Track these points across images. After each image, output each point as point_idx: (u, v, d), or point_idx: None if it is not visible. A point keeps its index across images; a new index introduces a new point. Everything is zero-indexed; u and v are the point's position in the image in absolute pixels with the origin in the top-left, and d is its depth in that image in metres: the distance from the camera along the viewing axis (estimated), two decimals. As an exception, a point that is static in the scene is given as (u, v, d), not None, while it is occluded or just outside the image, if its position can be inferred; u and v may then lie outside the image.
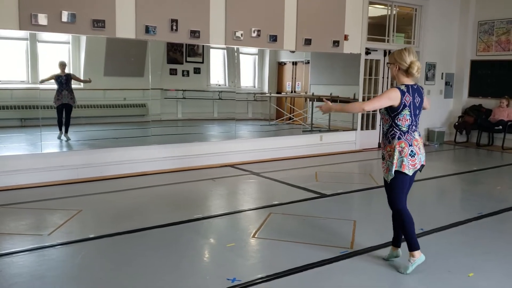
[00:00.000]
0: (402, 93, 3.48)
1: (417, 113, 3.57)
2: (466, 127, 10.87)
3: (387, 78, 9.86)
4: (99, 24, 6.29)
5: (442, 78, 11.06)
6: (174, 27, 6.95)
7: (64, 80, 7.37)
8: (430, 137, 10.89)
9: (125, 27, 6.57)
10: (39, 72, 6.27)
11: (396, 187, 3.55)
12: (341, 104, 3.55)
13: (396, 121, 3.50)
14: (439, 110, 11.04)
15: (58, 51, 7.37)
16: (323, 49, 8.77)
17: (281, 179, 6.79)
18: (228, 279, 3.37)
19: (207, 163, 7.54)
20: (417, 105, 3.56)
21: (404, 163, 3.48)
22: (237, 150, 7.93)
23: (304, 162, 8.21)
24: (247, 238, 4.31)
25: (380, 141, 4.01)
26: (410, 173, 3.52)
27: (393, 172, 3.51)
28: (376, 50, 9.81)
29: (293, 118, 9.87)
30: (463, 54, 11.07)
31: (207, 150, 7.62)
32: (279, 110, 10.07)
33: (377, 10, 9.95)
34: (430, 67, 10.74)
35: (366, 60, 9.56)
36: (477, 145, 10.60)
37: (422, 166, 3.62)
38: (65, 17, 6.04)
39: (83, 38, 7.06)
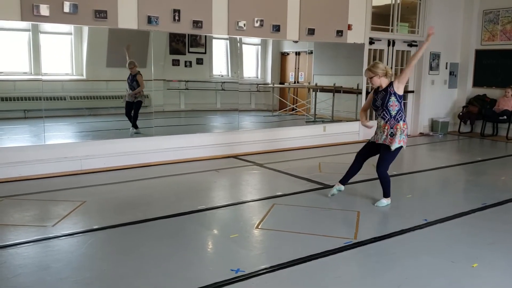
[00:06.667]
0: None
1: None
2: (470, 117, 10.80)
3: (391, 68, 9.79)
4: (101, 14, 6.26)
5: (446, 68, 10.97)
6: (177, 17, 6.91)
7: (129, 80, 7.41)
8: (434, 127, 10.83)
9: (127, 17, 6.54)
10: (42, 63, 6.26)
11: (393, 157, 4.81)
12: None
13: (402, 107, 4.67)
14: (443, 100, 10.98)
15: (61, 42, 7.33)
16: (326, 39, 8.72)
17: (285, 170, 6.79)
18: (232, 270, 3.38)
19: (211, 154, 7.53)
20: None
21: (403, 139, 4.71)
22: (241, 141, 7.92)
23: (308, 153, 8.19)
24: (250, 229, 4.31)
25: (383, 124, 4.84)
26: (404, 147, 4.76)
27: (397, 145, 4.66)
28: (380, 40, 9.75)
29: (296, 109, 9.83)
30: (467, 43, 10.97)
31: (210, 141, 7.62)
32: (282, 101, 10.02)
33: (381, -1, 9.86)
34: (434, 57, 10.65)
35: (370, 50, 9.49)
36: (481, 135, 10.55)
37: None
38: (67, 7, 6.01)
39: (86, 29, 7.01)
